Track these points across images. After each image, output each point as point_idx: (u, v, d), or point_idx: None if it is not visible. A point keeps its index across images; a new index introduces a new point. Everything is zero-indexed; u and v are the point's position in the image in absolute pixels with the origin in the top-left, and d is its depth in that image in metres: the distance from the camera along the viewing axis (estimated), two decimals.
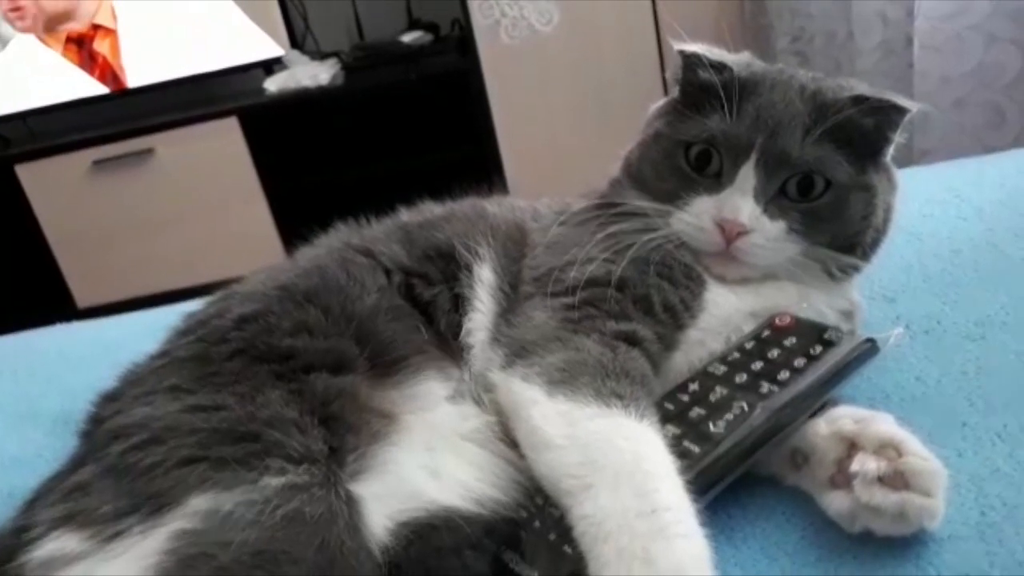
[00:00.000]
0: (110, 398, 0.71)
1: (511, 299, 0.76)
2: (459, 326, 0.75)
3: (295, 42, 3.13)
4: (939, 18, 2.11)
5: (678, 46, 0.79)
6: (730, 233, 0.73)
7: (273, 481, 0.57)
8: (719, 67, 0.76)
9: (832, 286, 0.77)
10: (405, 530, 0.61)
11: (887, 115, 0.74)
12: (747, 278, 0.75)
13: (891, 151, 0.78)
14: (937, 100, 2.19)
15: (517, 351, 0.69)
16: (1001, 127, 2.16)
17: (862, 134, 0.74)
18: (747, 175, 0.73)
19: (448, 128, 3.00)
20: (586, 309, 0.71)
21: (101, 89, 3.09)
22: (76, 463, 0.65)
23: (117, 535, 0.56)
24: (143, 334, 0.77)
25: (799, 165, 0.73)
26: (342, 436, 0.63)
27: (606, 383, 0.63)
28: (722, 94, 0.74)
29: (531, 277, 0.76)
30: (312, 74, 3.01)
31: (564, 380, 0.64)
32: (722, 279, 0.75)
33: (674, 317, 0.72)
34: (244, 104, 3.04)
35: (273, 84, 3.03)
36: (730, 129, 0.74)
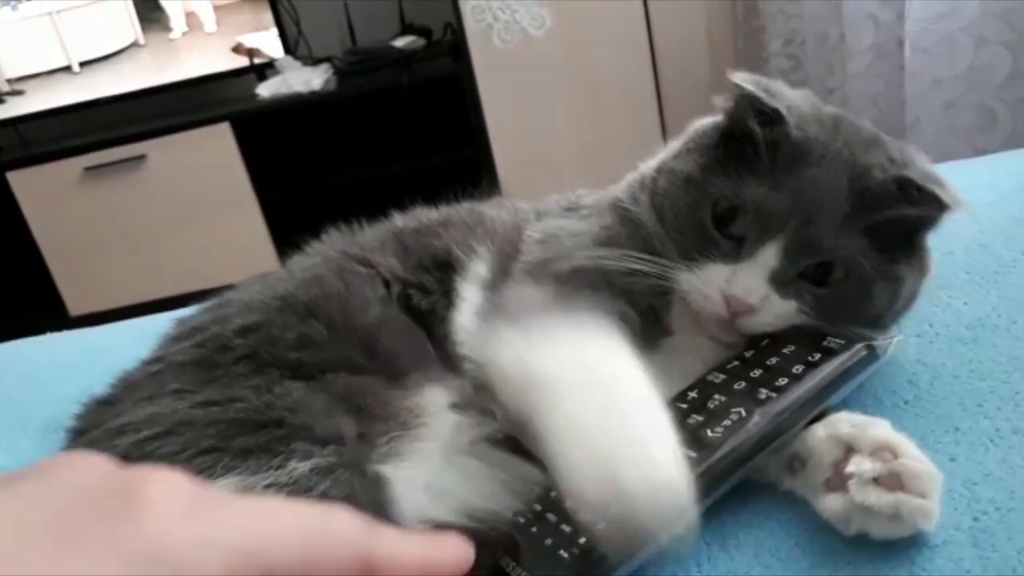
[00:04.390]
0: (104, 402, 0.70)
1: (499, 279, 0.74)
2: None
3: (288, 47, 3.13)
4: (929, 20, 2.12)
5: (734, 78, 0.70)
6: (736, 310, 0.68)
7: (300, 466, 0.56)
8: (772, 118, 0.68)
9: None
10: None
11: (930, 208, 0.67)
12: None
13: (929, 235, 0.72)
14: (928, 102, 2.20)
15: (503, 313, 0.67)
16: (992, 129, 2.17)
17: (902, 223, 0.68)
18: (769, 255, 0.67)
19: (441, 132, 3.00)
20: (577, 284, 0.69)
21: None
22: None
23: None
24: (136, 342, 0.77)
25: (828, 255, 0.67)
26: (369, 424, 0.62)
27: (596, 318, 0.62)
28: (766, 156, 0.67)
29: (522, 268, 0.74)
30: (305, 79, 3.01)
31: (534, 322, 0.63)
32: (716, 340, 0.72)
33: (655, 319, 0.71)
34: (236, 110, 3.04)
35: (265, 89, 3.03)
36: (765, 202, 0.67)
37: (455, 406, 0.70)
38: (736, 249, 0.68)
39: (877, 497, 0.57)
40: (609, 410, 0.54)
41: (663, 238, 0.72)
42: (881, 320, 0.71)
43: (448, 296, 0.75)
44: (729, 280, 0.68)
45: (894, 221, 0.67)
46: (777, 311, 0.68)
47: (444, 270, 0.77)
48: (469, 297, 0.74)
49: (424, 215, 0.86)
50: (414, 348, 0.72)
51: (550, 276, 0.71)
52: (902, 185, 0.66)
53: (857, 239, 0.66)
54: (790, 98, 0.71)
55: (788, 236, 0.66)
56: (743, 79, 0.69)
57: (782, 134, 0.67)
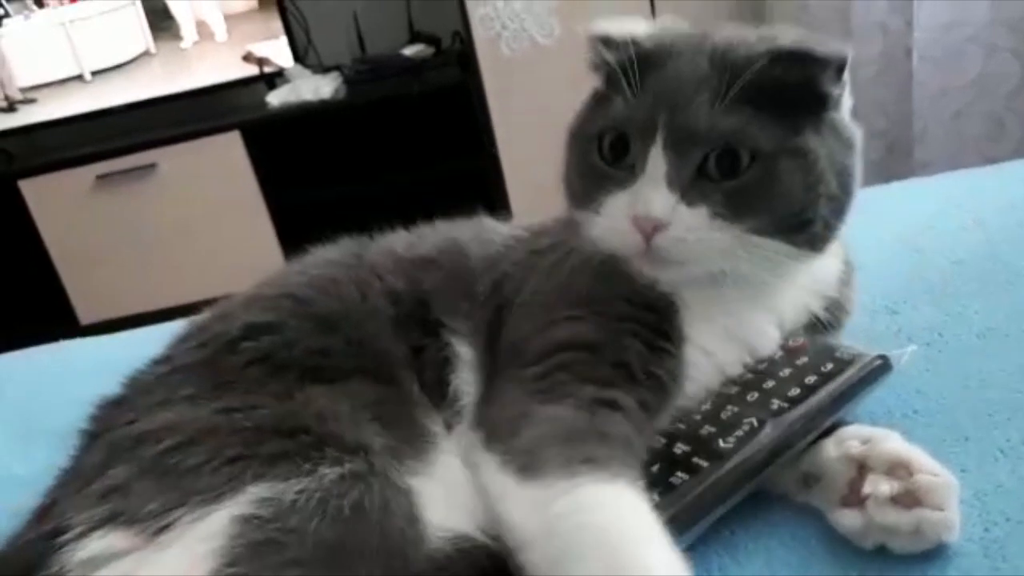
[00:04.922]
0: (116, 403, 0.69)
1: (492, 374, 0.70)
2: (445, 385, 0.71)
3: (297, 56, 3.14)
4: (938, 29, 2.12)
5: (586, 31, 0.71)
6: (645, 230, 0.64)
7: (331, 471, 0.56)
8: (623, 45, 0.68)
9: (802, 272, 0.70)
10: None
11: (811, 67, 0.64)
12: (684, 279, 0.68)
13: (840, 106, 0.69)
14: (937, 111, 2.20)
15: (490, 434, 0.63)
16: (1001, 138, 2.16)
17: (788, 90, 0.64)
18: (656, 160, 0.64)
19: (449, 141, 3.00)
20: (556, 375, 0.64)
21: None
22: (98, 465, 0.61)
23: (166, 527, 0.54)
24: (146, 350, 0.77)
25: (711, 138, 0.63)
26: (395, 436, 0.62)
27: (576, 448, 0.57)
28: (622, 73, 0.66)
29: (504, 347, 0.71)
30: (314, 88, 3.01)
31: (530, 463, 0.58)
32: (659, 280, 0.69)
33: (659, 385, 0.66)
34: (247, 118, 3.04)
35: (275, 98, 3.04)
36: (631, 110, 0.66)
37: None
38: (631, 173, 0.66)
39: (897, 516, 0.57)
40: None
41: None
42: (811, 210, 0.65)
43: (436, 343, 0.72)
44: (630, 202, 0.65)
45: (777, 89, 0.63)
46: (689, 222, 0.64)
47: (430, 311, 0.74)
48: (464, 376, 0.71)
49: (422, 240, 0.83)
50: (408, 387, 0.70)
51: (531, 358, 0.67)
52: (774, 56, 0.63)
53: (738, 113, 0.63)
54: (645, 27, 0.71)
55: (664, 133, 0.64)
56: (592, 28, 0.70)
57: (632, 52, 0.66)
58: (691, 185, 0.64)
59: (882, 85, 2.31)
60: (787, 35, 0.66)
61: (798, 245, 0.66)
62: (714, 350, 0.69)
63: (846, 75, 0.68)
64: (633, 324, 0.67)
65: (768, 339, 0.71)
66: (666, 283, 0.69)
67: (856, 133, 0.70)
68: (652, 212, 0.64)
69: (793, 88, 0.65)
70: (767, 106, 0.64)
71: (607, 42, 0.69)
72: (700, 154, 0.64)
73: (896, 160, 2.36)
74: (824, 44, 0.65)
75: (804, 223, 0.66)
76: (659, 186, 0.64)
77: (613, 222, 0.67)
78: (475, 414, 0.68)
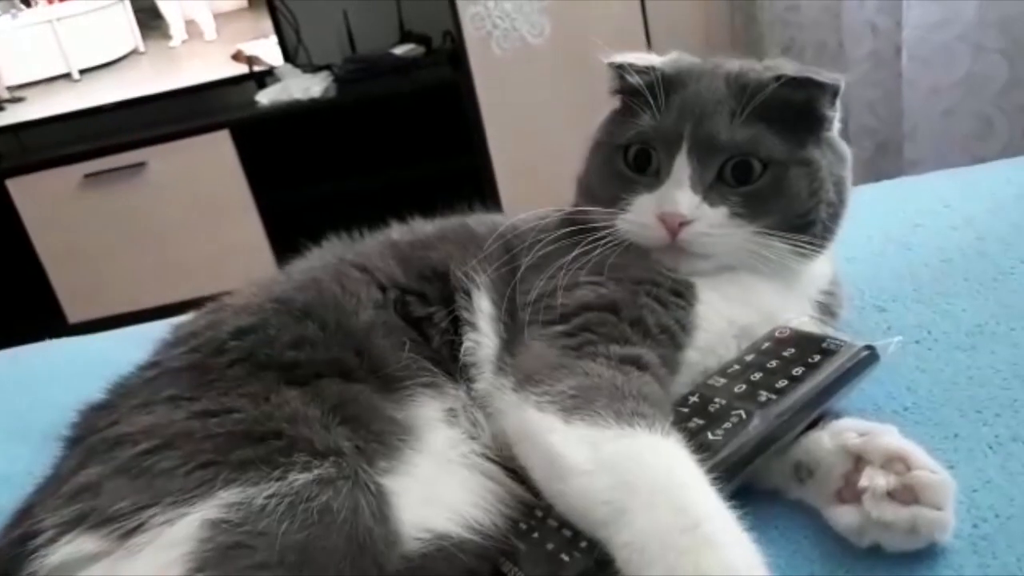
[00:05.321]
0: (100, 408, 0.70)
1: (511, 328, 0.75)
2: (456, 346, 0.74)
3: (287, 55, 3.14)
4: (927, 28, 2.12)
5: (606, 59, 0.82)
6: (672, 225, 0.73)
7: (301, 476, 0.57)
8: (646, 71, 0.78)
9: (802, 271, 0.78)
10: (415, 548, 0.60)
11: (811, 91, 0.75)
12: (702, 270, 0.75)
13: (832, 127, 0.79)
14: (926, 110, 2.21)
15: (523, 380, 0.67)
16: (990, 137, 2.17)
17: (793, 111, 0.75)
18: (681, 166, 0.74)
19: (440, 140, 3.00)
20: (583, 335, 0.70)
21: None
22: (74, 468, 0.62)
23: (137, 529, 0.55)
24: (134, 349, 0.77)
25: (730, 148, 0.74)
26: (366, 437, 0.63)
27: (625, 404, 0.61)
28: (648, 93, 0.77)
29: (523, 303, 0.75)
30: (304, 87, 3.01)
31: (579, 405, 0.61)
32: (679, 271, 0.75)
33: (671, 338, 0.71)
34: (236, 117, 3.04)
35: (265, 97, 3.03)
36: (659, 124, 0.76)
37: (451, 415, 0.70)
38: (656, 178, 0.76)
39: (894, 513, 0.57)
40: (702, 552, 0.52)
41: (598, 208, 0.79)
42: (813, 213, 0.75)
43: (447, 307, 0.76)
44: (658, 202, 0.75)
45: (785, 108, 0.74)
46: (711, 219, 0.73)
47: (443, 280, 0.77)
48: (486, 340, 0.74)
49: (418, 228, 0.87)
50: (405, 353, 0.72)
51: (555, 316, 0.72)
52: (782, 81, 0.74)
53: (752, 127, 0.74)
54: (659, 58, 0.82)
55: (689, 142, 0.74)
56: (613, 56, 0.81)
57: (656, 77, 0.77)
58: (711, 188, 0.74)
59: (872, 84, 2.32)
60: (790, 65, 0.77)
61: (800, 245, 0.75)
62: (725, 307, 0.74)
63: (838, 102, 0.78)
64: (648, 286, 0.73)
65: (776, 308, 0.75)
66: (685, 273, 0.76)
67: (847, 151, 0.80)
68: (679, 209, 0.73)
69: (797, 108, 0.75)
70: (776, 123, 0.74)
71: (631, 69, 0.80)
72: (720, 161, 0.74)
73: (886, 158, 2.37)
74: (822, 73, 0.75)
75: (807, 224, 0.75)
76: (684, 187, 0.74)
77: (641, 218, 0.76)
78: (498, 362, 0.72)
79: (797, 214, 0.75)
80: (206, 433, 0.60)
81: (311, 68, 3.16)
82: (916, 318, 0.87)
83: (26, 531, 0.58)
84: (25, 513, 0.62)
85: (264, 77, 3.13)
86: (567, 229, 0.79)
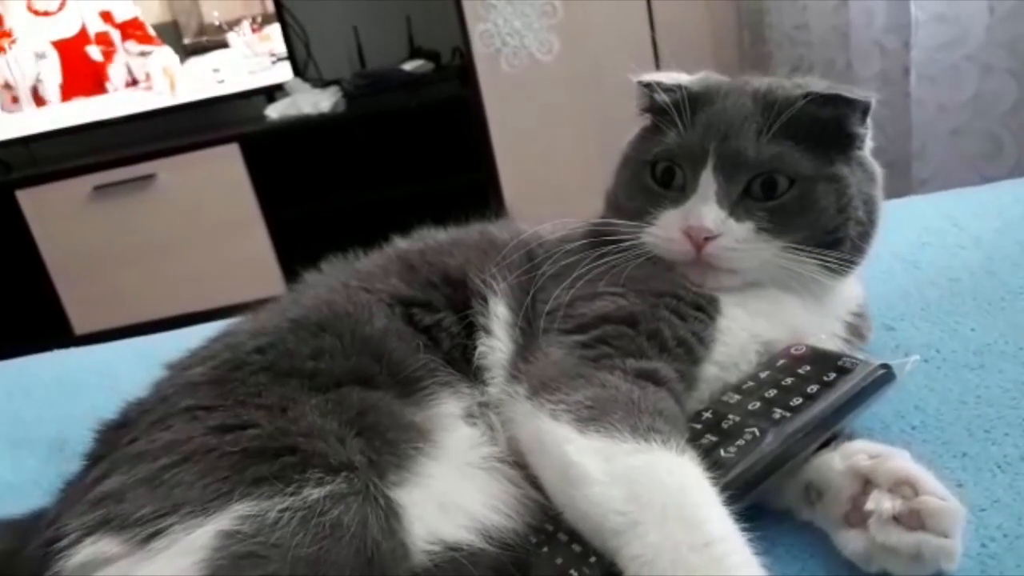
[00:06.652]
0: (119, 425, 0.71)
1: (527, 334, 0.75)
2: (469, 350, 0.75)
3: (297, 69, 3.16)
4: (935, 48, 2.13)
5: (635, 78, 0.83)
6: (697, 239, 0.73)
7: (314, 492, 0.58)
8: (673, 89, 0.79)
9: (833, 290, 0.77)
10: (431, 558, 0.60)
11: (841, 108, 0.75)
12: (728, 286, 0.75)
13: (864, 145, 0.78)
14: (935, 130, 2.21)
15: (538, 387, 0.67)
16: (998, 156, 2.17)
17: (823, 129, 0.75)
18: (707, 181, 0.74)
19: (449, 156, 3.01)
20: (601, 347, 0.70)
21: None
22: (98, 478, 0.64)
23: (157, 534, 0.57)
24: (140, 361, 0.77)
25: (756, 164, 0.74)
26: (380, 449, 0.63)
27: (641, 419, 0.61)
28: (675, 111, 0.78)
29: (543, 311, 0.75)
30: (313, 101, 3.03)
31: (595, 417, 0.62)
32: (704, 286, 0.75)
33: (688, 352, 0.70)
34: (245, 131, 3.06)
35: (274, 111, 3.05)
36: (684, 140, 0.77)
37: (469, 415, 0.70)
38: (682, 194, 0.76)
39: (898, 537, 0.56)
40: (710, 572, 0.53)
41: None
42: (842, 230, 0.74)
43: (459, 313, 0.76)
44: (684, 216, 0.75)
45: (813, 125, 0.74)
46: (737, 234, 0.73)
47: (455, 287, 0.78)
48: (500, 345, 0.75)
49: (431, 236, 0.87)
50: (421, 355, 0.72)
51: (573, 326, 0.72)
52: (811, 98, 0.74)
53: (780, 144, 0.73)
54: (687, 77, 0.84)
55: (715, 158, 0.74)
56: (642, 75, 0.82)
57: (683, 95, 0.78)
58: (737, 204, 0.74)
59: (880, 103, 2.31)
60: (819, 83, 0.77)
61: (829, 261, 0.74)
62: (749, 322, 0.74)
63: (869, 119, 0.77)
64: (669, 298, 0.73)
65: (804, 324, 0.75)
66: (711, 288, 0.75)
67: (879, 170, 0.79)
68: (705, 223, 0.73)
69: (826, 126, 0.75)
70: (804, 140, 0.74)
71: (659, 87, 0.80)
72: (746, 177, 0.74)
73: (894, 177, 2.35)
74: (853, 90, 0.75)
75: (836, 241, 0.75)
76: (710, 203, 0.74)
77: (667, 232, 0.76)
78: (511, 369, 0.72)
79: (825, 230, 0.74)
80: (222, 451, 0.61)
81: (321, 83, 3.18)
82: (924, 337, 0.86)
83: (52, 536, 0.60)
84: (51, 521, 0.64)
85: (274, 91, 3.14)
86: (591, 240, 0.79)
